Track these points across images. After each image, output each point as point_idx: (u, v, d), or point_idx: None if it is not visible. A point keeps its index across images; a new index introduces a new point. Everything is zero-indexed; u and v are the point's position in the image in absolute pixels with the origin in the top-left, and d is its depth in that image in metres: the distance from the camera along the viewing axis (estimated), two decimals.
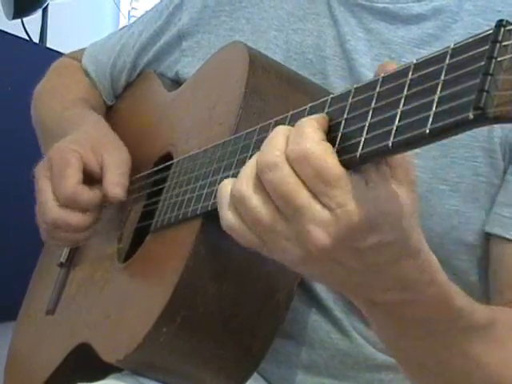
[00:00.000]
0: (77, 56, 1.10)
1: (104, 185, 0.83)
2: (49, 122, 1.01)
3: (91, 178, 0.84)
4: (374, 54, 0.79)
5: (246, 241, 0.54)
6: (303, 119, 0.51)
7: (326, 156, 0.48)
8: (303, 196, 0.49)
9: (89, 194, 0.82)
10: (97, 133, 0.90)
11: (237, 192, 0.52)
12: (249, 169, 0.52)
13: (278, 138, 0.50)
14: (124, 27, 1.09)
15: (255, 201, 0.51)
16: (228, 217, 0.53)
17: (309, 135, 0.49)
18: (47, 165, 0.85)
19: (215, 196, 0.66)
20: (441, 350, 0.61)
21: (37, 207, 0.86)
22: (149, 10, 1.03)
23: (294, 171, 0.49)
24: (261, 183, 0.51)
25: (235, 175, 0.64)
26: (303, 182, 0.49)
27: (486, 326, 0.60)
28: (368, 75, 0.77)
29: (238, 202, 0.52)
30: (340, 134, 0.50)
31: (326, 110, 0.53)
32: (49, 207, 0.82)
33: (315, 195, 0.49)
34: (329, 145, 0.49)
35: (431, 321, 0.58)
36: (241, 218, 0.53)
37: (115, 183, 0.83)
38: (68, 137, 0.88)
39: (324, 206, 0.48)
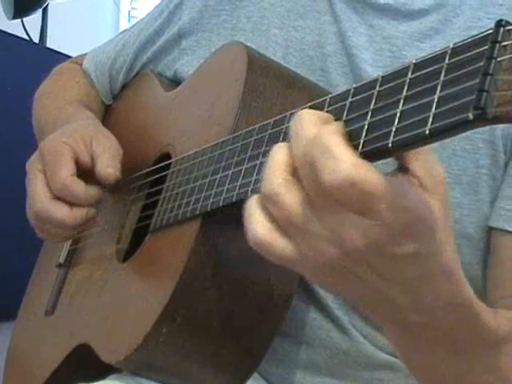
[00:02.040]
0: (79, 60, 1.11)
1: (96, 169, 0.82)
2: (45, 122, 1.02)
3: (83, 170, 0.83)
4: (375, 49, 0.79)
5: (277, 250, 0.50)
6: (325, 134, 0.46)
7: (370, 175, 0.44)
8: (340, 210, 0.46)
9: (82, 186, 0.81)
10: (85, 126, 0.90)
11: (269, 190, 0.48)
12: (282, 166, 0.49)
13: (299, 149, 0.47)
14: (125, 30, 1.09)
15: (289, 197, 0.48)
16: (259, 227, 0.50)
17: (344, 158, 0.44)
18: (38, 157, 0.84)
19: (214, 196, 0.66)
20: (465, 367, 0.59)
21: (27, 199, 0.86)
22: (151, 10, 1.04)
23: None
24: (295, 178, 0.48)
25: (234, 175, 0.64)
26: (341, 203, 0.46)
27: (509, 340, 0.59)
28: (369, 71, 0.78)
29: (270, 201, 0.49)
30: None
31: (325, 110, 0.53)
32: (36, 199, 0.82)
33: (352, 212, 0.46)
34: (367, 164, 0.45)
35: (457, 342, 0.56)
36: (273, 220, 0.49)
37: (106, 165, 0.82)
38: (58, 131, 0.88)
39: (363, 217, 0.46)
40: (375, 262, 0.48)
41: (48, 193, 0.81)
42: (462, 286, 0.53)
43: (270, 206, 0.49)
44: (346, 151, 0.45)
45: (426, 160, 0.48)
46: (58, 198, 0.81)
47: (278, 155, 0.49)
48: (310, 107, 0.55)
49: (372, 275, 0.48)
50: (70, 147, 0.83)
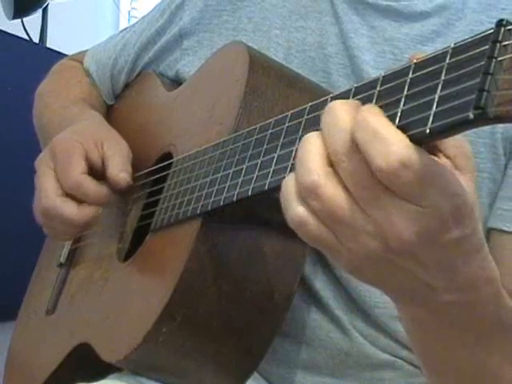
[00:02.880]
0: (78, 58, 1.11)
1: (108, 172, 0.83)
2: (49, 121, 1.02)
3: (93, 170, 0.84)
4: (377, 50, 0.79)
5: (315, 237, 0.48)
6: (366, 114, 0.44)
7: (426, 157, 0.43)
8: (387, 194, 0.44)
9: (94, 184, 0.81)
10: (96, 126, 0.91)
11: (309, 182, 0.46)
12: (318, 157, 0.46)
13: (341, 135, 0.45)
14: (126, 28, 1.09)
15: (330, 189, 0.46)
16: (298, 211, 0.47)
17: (396, 140, 0.43)
18: (49, 155, 0.84)
19: (215, 194, 0.66)
20: (484, 356, 0.57)
21: (35, 196, 0.86)
22: (151, 10, 1.04)
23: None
24: (335, 171, 0.46)
25: (236, 174, 0.64)
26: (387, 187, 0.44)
27: None
28: (371, 72, 0.78)
29: (310, 193, 0.46)
30: None
31: None
32: (45, 196, 0.82)
33: (403, 200, 0.44)
34: (418, 146, 0.43)
35: (483, 322, 0.55)
36: (313, 212, 0.47)
37: (119, 169, 0.83)
38: (67, 130, 0.88)
39: (413, 204, 0.44)
40: (422, 253, 0.46)
41: (59, 190, 0.81)
42: (490, 260, 0.52)
43: (309, 198, 0.47)
44: (396, 133, 0.43)
45: (456, 138, 0.47)
46: (67, 195, 0.81)
47: (312, 146, 0.47)
48: (311, 107, 0.55)
49: (416, 267, 0.47)
50: (81, 146, 0.83)
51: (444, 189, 0.44)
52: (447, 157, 0.48)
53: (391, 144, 0.42)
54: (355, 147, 0.44)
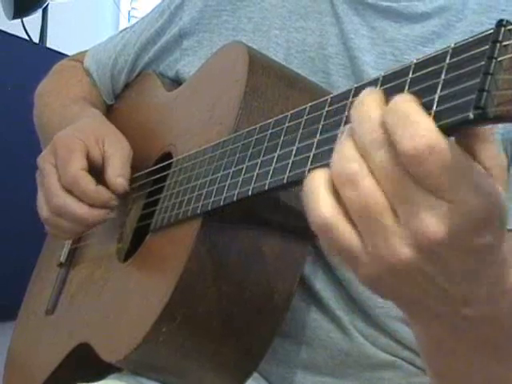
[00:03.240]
0: (79, 58, 1.11)
1: (107, 175, 0.83)
2: (49, 120, 1.02)
3: (93, 167, 0.84)
4: (377, 51, 0.79)
5: (339, 240, 0.45)
6: (398, 100, 0.42)
7: (452, 145, 0.40)
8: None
9: (93, 183, 0.82)
10: (97, 123, 0.91)
11: (347, 169, 0.43)
12: (354, 147, 0.44)
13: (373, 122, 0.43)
14: (126, 28, 1.09)
15: (367, 179, 0.43)
16: (326, 207, 0.44)
17: (424, 123, 0.41)
18: (51, 151, 0.85)
19: (216, 194, 0.66)
20: (501, 371, 0.55)
21: (40, 193, 0.86)
22: (151, 10, 1.04)
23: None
24: (370, 162, 0.43)
25: (235, 173, 0.64)
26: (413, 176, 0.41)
27: None
28: (371, 73, 0.78)
29: (346, 182, 0.43)
30: None
31: (326, 110, 0.53)
32: (54, 193, 0.82)
33: (431, 192, 0.41)
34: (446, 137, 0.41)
35: (501, 336, 0.51)
36: (343, 206, 0.44)
37: (117, 173, 0.83)
38: (70, 126, 0.89)
39: (442, 199, 0.41)
40: (450, 258, 0.43)
41: (62, 188, 0.82)
42: (509, 273, 0.48)
43: (345, 187, 0.43)
44: (426, 118, 0.41)
45: (493, 149, 0.44)
46: (68, 191, 0.82)
47: (345, 138, 0.45)
48: (311, 107, 0.55)
49: (439, 273, 0.44)
50: (82, 142, 0.84)
51: (477, 186, 0.41)
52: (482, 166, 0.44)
53: (420, 127, 0.40)
54: (385, 135, 0.42)
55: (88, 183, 0.81)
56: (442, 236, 0.41)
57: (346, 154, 0.44)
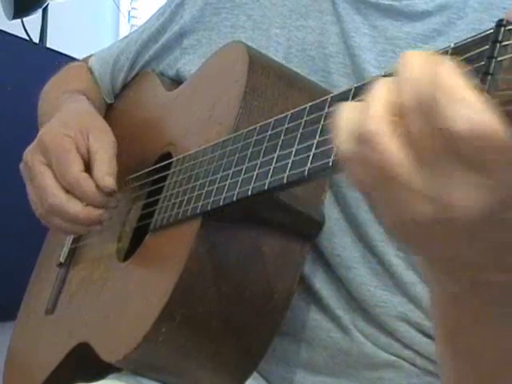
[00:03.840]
0: (88, 60, 1.12)
1: (94, 173, 0.83)
2: (44, 112, 1.03)
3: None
4: (378, 50, 0.79)
5: (360, 182, 0.43)
6: (445, 73, 0.39)
7: (500, 129, 0.38)
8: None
9: (92, 183, 0.82)
10: (81, 113, 0.91)
11: (367, 130, 0.41)
12: (384, 104, 0.42)
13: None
14: (134, 30, 1.10)
15: (392, 141, 0.41)
16: (349, 150, 0.43)
17: (473, 102, 0.38)
18: (40, 150, 0.85)
19: (215, 194, 0.66)
20: None
21: (32, 192, 0.86)
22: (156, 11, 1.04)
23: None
24: (400, 123, 0.41)
25: (235, 173, 0.64)
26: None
27: None
28: (372, 72, 0.77)
29: (366, 141, 0.41)
30: None
31: (325, 110, 0.53)
32: (50, 192, 0.82)
33: (471, 166, 0.40)
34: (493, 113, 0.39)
35: None
36: (364, 160, 0.42)
37: (104, 172, 0.83)
38: (53, 118, 0.89)
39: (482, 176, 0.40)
40: (479, 232, 0.42)
41: (60, 187, 0.82)
42: None
43: (363, 145, 0.42)
44: (474, 95, 0.39)
45: None
46: (68, 192, 0.82)
47: (381, 92, 0.42)
48: (311, 107, 0.55)
49: (468, 241, 0.43)
50: (71, 140, 0.84)
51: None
52: None
53: (468, 106, 0.38)
54: (427, 102, 0.40)
55: (90, 185, 0.82)
56: (471, 212, 0.40)
57: (368, 112, 0.42)
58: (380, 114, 0.41)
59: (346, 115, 0.43)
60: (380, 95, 0.42)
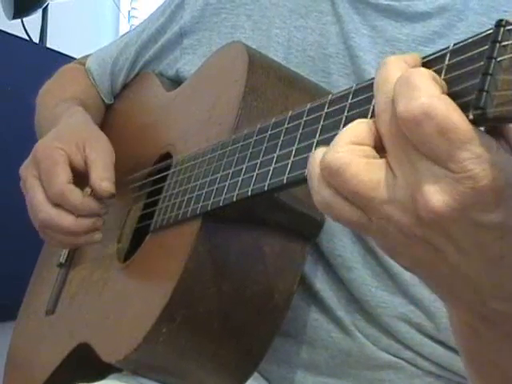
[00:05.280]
0: (84, 61, 1.12)
1: (91, 181, 0.82)
2: (43, 119, 1.03)
3: (77, 173, 0.84)
4: (378, 51, 0.79)
5: (346, 219, 0.44)
6: (413, 72, 0.41)
7: (452, 111, 0.39)
8: (417, 157, 0.40)
9: (79, 195, 0.81)
10: (78, 126, 0.91)
11: (329, 161, 0.43)
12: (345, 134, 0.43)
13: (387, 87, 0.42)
14: (130, 30, 1.09)
15: (354, 167, 0.42)
16: (322, 192, 0.44)
17: (423, 86, 0.40)
18: (33, 163, 0.85)
19: (215, 195, 0.66)
20: None
21: (28, 206, 0.86)
22: (154, 10, 1.04)
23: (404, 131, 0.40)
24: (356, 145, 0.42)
25: (235, 174, 0.64)
26: (415, 144, 0.40)
27: None
28: (372, 72, 0.77)
29: (329, 174, 0.43)
30: None
31: (325, 110, 0.53)
32: (39, 207, 0.82)
33: (433, 161, 0.40)
34: (450, 99, 0.40)
35: None
36: (336, 192, 0.43)
37: (101, 177, 0.82)
38: (49, 133, 0.89)
39: (444, 168, 0.40)
40: (454, 230, 0.41)
41: (48, 200, 0.82)
42: None
43: (330, 177, 0.43)
44: (428, 82, 0.40)
45: None
46: (56, 204, 0.82)
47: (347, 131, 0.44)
48: (311, 107, 0.55)
49: (450, 247, 0.42)
50: (64, 152, 0.84)
51: (482, 156, 0.39)
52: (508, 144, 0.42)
53: (417, 89, 0.39)
54: (391, 99, 0.41)
55: (75, 196, 0.81)
56: (440, 206, 0.40)
57: (332, 144, 0.43)
58: (343, 143, 0.43)
59: (316, 159, 0.45)
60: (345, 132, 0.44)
